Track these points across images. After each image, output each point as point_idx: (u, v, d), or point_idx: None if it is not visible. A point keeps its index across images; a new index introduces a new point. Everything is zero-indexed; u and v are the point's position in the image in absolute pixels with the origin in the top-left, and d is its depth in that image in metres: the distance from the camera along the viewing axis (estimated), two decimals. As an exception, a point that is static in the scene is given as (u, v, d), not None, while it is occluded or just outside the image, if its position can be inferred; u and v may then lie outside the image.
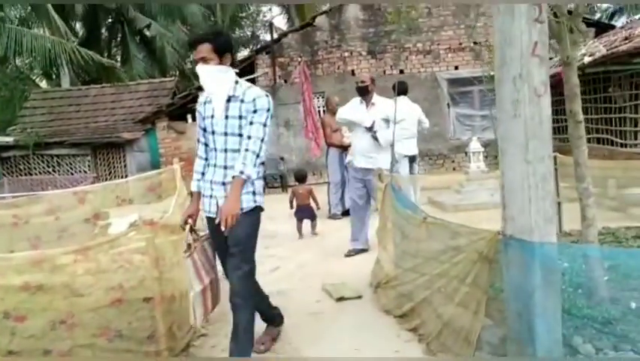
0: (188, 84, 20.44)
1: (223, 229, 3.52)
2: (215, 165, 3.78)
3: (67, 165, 16.52)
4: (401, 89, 8.88)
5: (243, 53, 27.82)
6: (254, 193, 3.71)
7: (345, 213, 9.55)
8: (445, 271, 3.67)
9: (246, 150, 3.56)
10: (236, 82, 3.68)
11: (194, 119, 14.95)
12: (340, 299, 5.12)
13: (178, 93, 16.77)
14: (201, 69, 3.61)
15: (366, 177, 6.60)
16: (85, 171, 16.38)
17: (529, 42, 2.80)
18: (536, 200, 2.85)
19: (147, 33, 24.34)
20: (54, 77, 24.24)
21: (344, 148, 9.61)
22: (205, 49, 3.57)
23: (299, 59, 13.94)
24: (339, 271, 6.10)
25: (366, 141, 6.59)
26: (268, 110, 3.63)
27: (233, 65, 3.71)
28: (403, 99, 8.87)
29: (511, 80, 2.87)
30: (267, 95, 3.66)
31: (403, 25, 14.04)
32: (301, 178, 8.77)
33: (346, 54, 14.75)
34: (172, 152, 14.98)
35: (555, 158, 5.98)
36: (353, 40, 14.76)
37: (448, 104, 14.69)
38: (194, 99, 14.79)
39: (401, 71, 14.64)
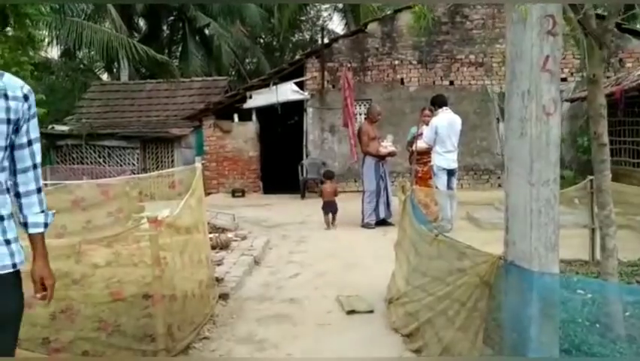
0: (243, 84, 20.65)
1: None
2: None
3: (117, 156, 16.93)
4: (441, 102, 8.70)
5: (299, 57, 27.94)
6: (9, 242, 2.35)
7: (379, 223, 9.40)
8: (449, 292, 3.49)
9: (38, 189, 2.44)
10: None
11: (240, 118, 15.06)
12: (351, 312, 4.97)
13: (230, 92, 16.92)
14: None
15: None
16: (133, 164, 16.76)
17: (539, 56, 2.61)
18: (538, 226, 2.65)
19: (206, 32, 24.76)
20: (114, 70, 24.93)
21: (381, 157, 9.46)
22: None
23: (348, 65, 13.84)
24: (357, 282, 5.95)
25: None
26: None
27: None
28: (444, 111, 8.67)
29: (519, 95, 2.69)
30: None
31: (457, 36, 13.79)
32: (328, 177, 10.19)
33: (396, 62, 14.55)
34: (216, 150, 15.12)
35: (591, 182, 5.68)
36: (404, 48, 14.55)
37: (497, 119, 14.29)
38: (243, 99, 14.90)
39: (451, 83, 14.35)
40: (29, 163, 2.39)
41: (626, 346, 3.33)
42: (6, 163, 2.34)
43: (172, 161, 16.83)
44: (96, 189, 5.74)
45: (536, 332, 2.62)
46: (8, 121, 2.27)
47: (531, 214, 2.66)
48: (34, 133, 2.40)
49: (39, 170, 2.45)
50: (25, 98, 2.33)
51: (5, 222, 2.30)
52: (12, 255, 2.31)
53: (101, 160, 17.02)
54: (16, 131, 2.33)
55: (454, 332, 3.38)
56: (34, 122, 2.40)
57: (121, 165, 16.71)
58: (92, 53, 21.72)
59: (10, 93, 2.29)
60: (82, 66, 24.72)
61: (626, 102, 10.71)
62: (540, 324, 2.62)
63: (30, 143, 2.38)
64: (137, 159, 16.89)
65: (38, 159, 2.43)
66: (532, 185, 2.65)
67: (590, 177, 5.85)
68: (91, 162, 16.92)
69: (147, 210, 7.45)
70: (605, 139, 3.44)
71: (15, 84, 2.32)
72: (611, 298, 3.44)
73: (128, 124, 17.70)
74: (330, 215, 9.50)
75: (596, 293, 3.67)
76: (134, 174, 14.53)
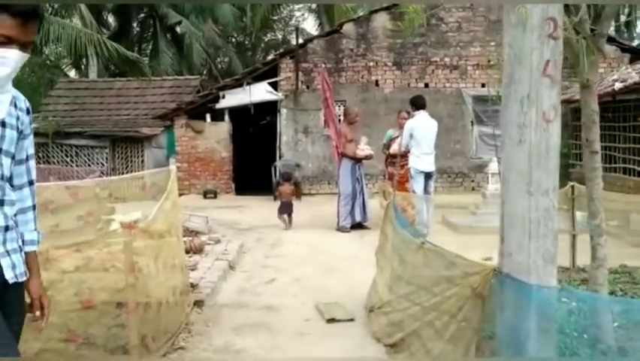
0: (215, 84, 20.34)
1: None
2: None
3: (85, 156, 16.51)
4: (420, 104, 8.59)
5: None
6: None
7: (355, 226, 9.29)
8: (437, 303, 3.37)
9: (34, 206, 2.39)
10: None
11: (212, 118, 14.81)
12: (331, 320, 4.83)
13: (202, 92, 16.63)
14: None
15: None
16: (102, 164, 16.35)
17: (540, 60, 2.50)
18: (536, 237, 2.55)
19: (178, 30, 24.35)
20: (83, 67, 24.35)
21: (358, 160, 9.34)
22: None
23: (322, 65, 13.68)
24: (336, 288, 5.82)
25: None
26: None
27: None
28: (421, 114, 8.59)
29: (518, 101, 2.58)
30: None
31: (431, 38, 13.77)
32: (286, 178, 10.50)
33: (371, 64, 14.45)
34: (188, 150, 14.86)
35: (572, 187, 5.65)
36: (379, 50, 14.45)
37: (471, 122, 14.31)
38: (215, 99, 14.66)
39: (426, 85, 14.30)
40: (25, 180, 2.37)
41: (617, 359, 3.27)
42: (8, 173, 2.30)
43: (142, 161, 16.46)
44: (65, 191, 5.48)
45: (534, 347, 2.51)
46: (17, 129, 2.26)
47: (530, 225, 2.55)
48: (31, 149, 2.39)
49: (34, 186, 2.43)
50: (27, 111, 2.34)
51: (15, 230, 2.29)
52: (24, 261, 2.32)
53: (68, 160, 16.56)
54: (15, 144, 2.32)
55: (444, 344, 3.26)
56: (32, 138, 2.39)
57: (89, 165, 16.30)
58: (60, 48, 21.13)
59: (18, 104, 2.29)
60: (48, 62, 24.06)
61: (601, 108, 10.77)
62: (538, 339, 2.51)
63: (27, 159, 2.37)
64: (106, 158, 16.49)
65: (34, 175, 2.41)
66: (531, 194, 2.54)
67: (571, 183, 5.83)
68: (58, 162, 16.44)
69: (118, 212, 7.23)
70: (597, 147, 3.36)
71: (20, 96, 2.32)
72: (601, 309, 3.36)
73: (96, 123, 17.24)
74: (287, 216, 9.66)
75: (581, 302, 3.59)
76: (103, 173, 14.18)
